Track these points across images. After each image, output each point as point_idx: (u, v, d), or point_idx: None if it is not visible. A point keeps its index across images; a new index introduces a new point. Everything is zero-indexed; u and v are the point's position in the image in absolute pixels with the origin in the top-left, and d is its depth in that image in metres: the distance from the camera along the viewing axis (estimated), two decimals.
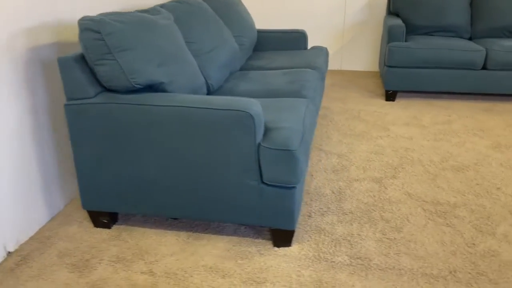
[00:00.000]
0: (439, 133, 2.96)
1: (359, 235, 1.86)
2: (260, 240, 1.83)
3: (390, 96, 3.65)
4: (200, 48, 2.26)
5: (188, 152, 1.66)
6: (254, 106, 1.61)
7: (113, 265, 1.68)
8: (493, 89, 3.46)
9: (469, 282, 1.58)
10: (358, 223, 1.94)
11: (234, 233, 1.88)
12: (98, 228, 1.92)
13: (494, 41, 3.51)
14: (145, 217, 2.00)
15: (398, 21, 3.65)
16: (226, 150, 1.63)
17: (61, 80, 1.70)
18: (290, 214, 1.69)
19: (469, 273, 1.62)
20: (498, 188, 2.22)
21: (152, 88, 1.75)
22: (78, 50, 2.10)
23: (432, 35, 3.89)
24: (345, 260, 1.70)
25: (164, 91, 1.76)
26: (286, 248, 1.77)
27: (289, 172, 1.61)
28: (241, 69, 2.87)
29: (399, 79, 3.56)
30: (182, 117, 1.62)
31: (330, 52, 4.69)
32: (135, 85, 1.65)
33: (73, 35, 2.07)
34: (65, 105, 1.70)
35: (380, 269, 1.65)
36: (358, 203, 2.10)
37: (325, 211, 2.03)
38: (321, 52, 3.20)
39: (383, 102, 3.63)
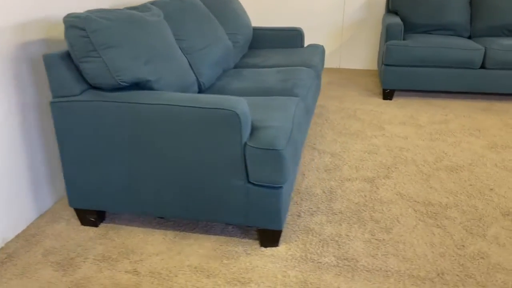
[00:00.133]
0: (435, 132, 2.93)
1: (347, 235, 1.84)
2: (247, 240, 1.81)
3: (387, 95, 3.62)
4: (191, 46, 2.25)
5: (174, 151, 1.65)
6: (241, 104, 1.59)
7: (97, 263, 1.67)
8: (492, 88, 3.43)
9: (456, 284, 1.56)
10: (347, 223, 1.92)
11: (222, 232, 1.86)
12: (86, 226, 1.91)
13: (493, 40, 3.47)
14: (133, 216, 1.99)
15: (396, 19, 3.62)
16: (212, 149, 1.62)
17: (47, 77, 1.68)
18: (277, 214, 1.68)
19: (457, 275, 1.60)
20: (491, 189, 2.20)
21: (139, 86, 1.73)
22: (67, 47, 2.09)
23: (431, 33, 3.86)
24: (332, 261, 1.68)
25: (151, 89, 1.75)
26: (273, 248, 1.76)
27: (275, 172, 1.59)
28: (236, 66, 2.85)
29: (396, 78, 3.54)
30: (168, 115, 1.60)
31: (329, 50, 4.66)
32: (121, 83, 1.64)
33: (62, 32, 2.06)
34: (51, 102, 1.69)
35: (366, 271, 1.63)
36: (349, 203, 2.08)
37: (315, 211, 2.01)
38: (317, 50, 3.18)
39: (380, 101, 3.60)
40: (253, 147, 1.58)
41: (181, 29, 2.23)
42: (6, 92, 1.75)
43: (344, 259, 1.69)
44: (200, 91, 2.31)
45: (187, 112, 1.58)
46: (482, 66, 3.40)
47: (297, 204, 2.07)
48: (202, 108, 1.57)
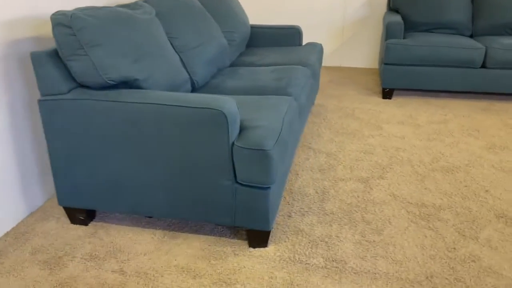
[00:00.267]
0: (433, 132, 2.90)
1: (337, 236, 1.82)
2: (237, 240, 1.80)
3: (387, 94, 3.59)
4: (185, 44, 2.23)
5: (161, 150, 1.64)
6: (228, 104, 1.57)
7: (85, 263, 1.67)
8: (492, 88, 3.38)
9: None
10: (338, 224, 1.90)
11: (211, 232, 1.85)
12: (75, 225, 1.91)
13: (494, 39, 3.43)
14: (123, 214, 1.98)
15: (397, 18, 3.58)
16: (199, 149, 1.61)
17: (35, 75, 1.67)
18: (265, 215, 1.66)
19: (446, 278, 1.58)
20: (487, 191, 2.17)
21: (127, 84, 1.72)
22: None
23: (432, 32, 3.82)
24: (320, 263, 1.66)
25: (139, 87, 1.73)
26: (262, 249, 1.74)
27: (263, 172, 1.58)
28: (232, 65, 2.84)
29: (396, 77, 3.50)
30: (155, 115, 1.59)
31: (330, 48, 4.63)
32: (108, 81, 1.63)
33: None
34: (39, 100, 1.68)
35: (354, 273, 1.61)
36: (341, 203, 2.06)
37: (306, 211, 1.99)
38: (315, 48, 3.15)
39: (379, 100, 3.57)
40: (241, 147, 1.57)
41: (174, 27, 2.22)
42: None
43: (333, 260, 1.68)
44: (194, 89, 2.30)
45: (174, 112, 1.57)
46: (483, 66, 3.35)
47: (289, 204, 2.05)
48: (189, 107, 1.56)
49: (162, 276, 1.60)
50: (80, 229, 1.88)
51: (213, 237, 1.82)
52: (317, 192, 2.16)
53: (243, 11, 3.19)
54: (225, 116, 1.54)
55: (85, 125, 1.67)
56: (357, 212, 1.99)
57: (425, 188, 2.19)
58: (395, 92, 3.77)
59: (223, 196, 1.66)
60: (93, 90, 1.67)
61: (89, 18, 1.60)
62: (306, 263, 1.66)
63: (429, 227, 1.88)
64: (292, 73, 2.46)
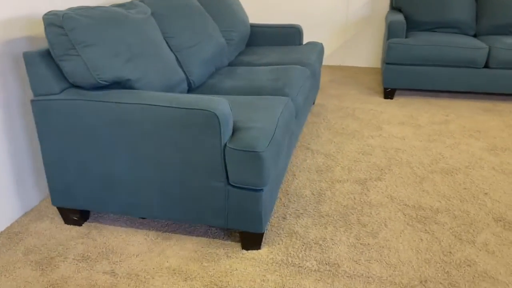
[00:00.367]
0: (434, 133, 2.86)
1: (332, 239, 1.80)
2: (230, 242, 1.79)
3: (388, 94, 3.56)
4: (181, 43, 2.22)
5: (153, 151, 1.63)
6: (221, 105, 1.56)
7: (76, 264, 1.66)
8: (495, 88, 3.34)
9: None
10: (333, 226, 1.88)
11: (205, 234, 1.84)
12: (69, 225, 1.90)
13: (498, 39, 3.38)
14: (117, 215, 1.97)
15: (399, 17, 3.55)
16: (191, 150, 1.59)
17: (27, 75, 1.67)
18: (258, 217, 1.65)
19: (441, 283, 1.56)
20: (486, 193, 2.14)
21: (120, 84, 1.71)
22: None
23: (435, 31, 3.78)
24: (313, 266, 1.65)
25: (132, 88, 1.72)
26: (255, 251, 1.73)
27: (255, 174, 1.56)
28: (230, 64, 2.82)
29: (398, 77, 3.47)
30: (147, 115, 1.58)
31: (332, 47, 4.60)
32: (101, 82, 1.62)
33: None
34: (32, 100, 1.67)
35: (347, 276, 1.59)
36: (337, 205, 2.04)
37: (301, 213, 1.98)
38: (316, 48, 3.13)
39: (381, 100, 3.54)
40: (233, 148, 1.55)
41: (171, 26, 2.21)
42: None
43: (326, 264, 1.66)
44: (190, 89, 2.29)
45: (166, 112, 1.56)
46: (486, 66, 3.31)
47: (284, 206, 2.04)
48: (181, 108, 1.55)
49: (153, 278, 1.59)
50: (73, 230, 1.87)
51: (207, 238, 1.81)
52: (313, 194, 2.14)
53: (243, 10, 3.17)
54: (217, 118, 1.53)
55: (77, 126, 1.66)
56: (353, 214, 1.97)
57: (423, 190, 2.17)
58: (397, 92, 3.74)
59: (215, 197, 1.65)
60: (85, 90, 1.66)
61: (82, 18, 1.59)
62: (299, 266, 1.65)
63: (426, 230, 1.85)
64: (290, 73, 2.44)
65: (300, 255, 1.70)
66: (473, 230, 1.85)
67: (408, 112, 3.25)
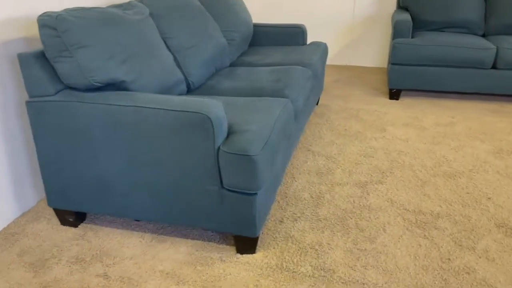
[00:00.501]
0: (439, 135, 2.82)
1: (328, 244, 1.77)
2: (225, 245, 1.77)
3: (393, 94, 3.51)
4: (180, 44, 2.20)
5: (147, 154, 1.61)
6: (215, 108, 1.54)
7: (70, 266, 1.66)
8: (503, 89, 3.27)
9: None
10: (331, 230, 1.85)
11: (200, 237, 1.82)
12: (65, 226, 1.90)
13: (506, 39, 3.31)
14: (114, 216, 1.96)
15: (405, 16, 3.49)
16: (185, 153, 1.58)
17: (22, 76, 1.66)
18: (252, 221, 1.62)
19: None
20: (489, 198, 2.09)
21: (115, 86, 1.70)
22: None
23: (443, 31, 3.72)
24: (308, 271, 1.62)
25: (126, 89, 1.71)
26: (250, 255, 1.71)
27: (248, 178, 1.54)
28: (232, 65, 2.80)
29: (403, 77, 3.42)
30: (140, 118, 1.56)
31: (339, 47, 4.55)
32: (94, 83, 1.61)
33: None
34: (26, 102, 1.67)
35: (342, 282, 1.56)
36: (335, 209, 2.01)
37: (299, 217, 1.95)
38: (319, 48, 3.09)
39: (386, 100, 3.49)
40: (226, 152, 1.53)
41: (170, 27, 2.19)
42: None
43: (321, 269, 1.63)
44: (189, 90, 2.27)
45: (159, 115, 1.54)
46: (494, 66, 3.24)
47: (282, 209, 2.01)
48: (174, 111, 1.53)
49: (145, 281, 1.58)
50: (69, 231, 1.87)
51: (202, 242, 1.79)
52: (312, 197, 2.11)
53: (246, 10, 3.15)
54: (211, 121, 1.51)
55: (71, 127, 1.65)
56: (351, 218, 1.94)
57: (425, 194, 2.13)
58: (402, 93, 3.69)
59: (209, 201, 1.63)
60: (79, 92, 1.65)
61: (76, 19, 1.58)
62: (294, 271, 1.62)
63: (425, 235, 1.82)
64: (291, 74, 2.41)
65: (295, 260, 1.68)
66: (474, 236, 1.81)
67: (413, 114, 3.20)
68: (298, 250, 1.74)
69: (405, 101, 3.47)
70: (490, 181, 2.25)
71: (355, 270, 1.62)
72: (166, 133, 1.56)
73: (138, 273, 1.62)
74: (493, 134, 2.82)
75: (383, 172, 2.35)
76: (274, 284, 1.56)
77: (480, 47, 3.19)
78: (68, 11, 1.63)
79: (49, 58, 1.61)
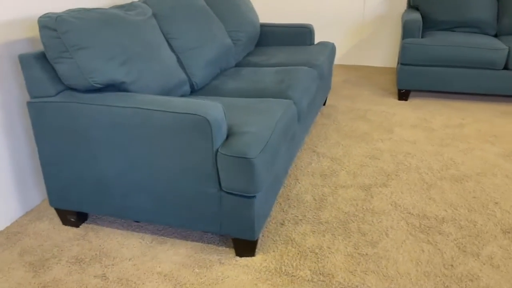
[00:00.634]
0: (447, 137, 2.77)
1: (329, 248, 1.75)
2: (224, 248, 1.76)
3: (402, 95, 3.46)
4: (184, 44, 2.20)
5: (145, 155, 1.61)
6: (213, 110, 1.53)
7: (69, 266, 1.66)
8: None
9: None
10: (332, 234, 1.83)
11: (200, 239, 1.82)
12: (67, 226, 1.91)
13: None
14: (115, 217, 1.97)
15: (415, 16, 3.44)
16: (184, 155, 1.57)
17: (23, 77, 1.67)
18: (250, 224, 1.61)
19: None
20: (496, 203, 2.04)
21: (115, 87, 1.70)
22: None
23: (454, 31, 3.65)
24: (306, 275, 1.60)
25: (126, 90, 1.71)
26: (249, 258, 1.69)
27: (247, 180, 1.52)
28: (237, 65, 2.79)
29: (413, 78, 3.37)
30: (139, 119, 1.56)
31: (348, 46, 4.51)
32: (94, 85, 1.61)
33: None
34: (28, 102, 1.68)
35: None
36: (338, 212, 1.98)
37: (300, 220, 1.93)
38: (326, 48, 3.06)
39: (395, 101, 3.45)
40: (224, 154, 1.52)
41: (174, 27, 2.19)
42: None
43: (320, 274, 1.61)
44: (193, 91, 2.26)
45: (158, 116, 1.54)
46: (506, 67, 3.17)
47: (283, 211, 1.99)
48: (173, 112, 1.52)
49: (143, 283, 1.58)
50: (71, 231, 1.88)
51: (201, 243, 1.79)
52: (314, 199, 2.09)
53: (253, 10, 3.13)
54: (209, 123, 1.49)
55: (72, 128, 1.66)
56: (353, 222, 1.91)
57: (430, 198, 2.09)
58: (412, 94, 3.64)
59: (208, 203, 1.62)
60: (80, 93, 1.65)
61: (76, 20, 1.59)
62: (292, 275, 1.60)
63: (428, 241, 1.78)
64: (295, 75, 2.39)
65: (294, 264, 1.66)
66: (479, 242, 1.77)
67: (422, 115, 3.15)
68: (298, 253, 1.72)
69: (414, 102, 3.42)
70: (499, 185, 2.20)
71: (354, 275, 1.60)
72: (165, 135, 1.56)
73: (136, 275, 1.62)
74: (504, 137, 2.76)
75: (388, 175, 2.31)
76: None
77: (492, 47, 3.13)
78: (69, 12, 1.63)
79: (50, 59, 1.62)
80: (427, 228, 1.86)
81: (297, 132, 2.16)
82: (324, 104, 3.35)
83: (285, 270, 1.63)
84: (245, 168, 1.50)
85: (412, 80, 3.37)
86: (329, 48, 3.08)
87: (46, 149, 1.73)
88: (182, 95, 2.12)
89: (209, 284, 1.57)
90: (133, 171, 1.65)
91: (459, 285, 1.54)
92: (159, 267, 1.66)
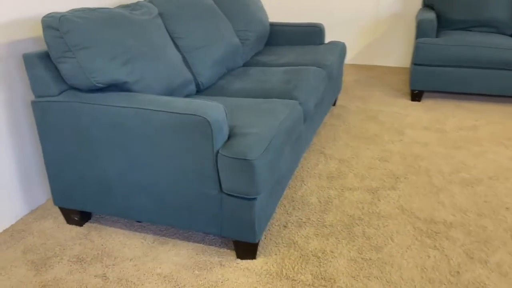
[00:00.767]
0: (460, 140, 2.70)
1: (332, 252, 1.72)
2: (226, 250, 1.74)
3: (415, 96, 3.39)
4: (190, 44, 2.19)
5: (147, 155, 1.60)
6: (214, 111, 1.51)
7: (70, 265, 1.67)
8: None
9: None
10: (336, 238, 1.80)
11: (202, 240, 1.80)
12: (70, 225, 1.92)
13: None
14: (116, 217, 1.97)
15: (429, 15, 3.37)
16: (184, 156, 1.55)
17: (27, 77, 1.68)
18: (251, 226, 1.59)
19: None
20: (508, 208, 1.98)
21: (118, 87, 1.69)
22: None
23: (469, 30, 3.57)
24: (307, 280, 1.57)
25: (129, 90, 1.70)
26: (250, 261, 1.67)
27: (247, 182, 1.50)
28: (245, 64, 2.77)
29: (426, 78, 3.30)
30: (140, 119, 1.55)
31: (361, 46, 4.45)
32: (97, 84, 1.61)
33: None
34: (32, 102, 1.69)
35: None
36: (343, 215, 1.95)
37: (304, 222, 1.90)
38: (336, 48, 3.02)
39: (407, 102, 3.38)
40: (225, 155, 1.50)
41: (180, 27, 2.18)
42: None
43: (322, 278, 1.58)
44: (199, 90, 2.25)
45: (159, 117, 1.53)
46: None
47: (287, 213, 1.97)
48: (173, 113, 1.51)
49: (142, 284, 1.57)
50: (74, 230, 1.88)
51: (203, 245, 1.77)
52: (320, 202, 2.06)
53: (262, 9, 3.11)
54: (210, 124, 1.48)
55: (74, 127, 1.66)
56: (358, 225, 1.88)
57: (439, 202, 2.04)
58: (425, 94, 3.57)
59: (209, 205, 1.61)
60: (82, 92, 1.66)
61: (79, 20, 1.58)
62: (293, 280, 1.58)
63: (435, 246, 1.74)
64: (303, 75, 2.36)
65: (296, 268, 1.63)
66: (488, 249, 1.72)
67: (434, 116, 3.08)
68: (300, 257, 1.69)
69: (427, 103, 3.35)
70: (511, 189, 2.13)
71: (357, 281, 1.56)
72: (166, 135, 1.55)
73: (136, 275, 1.61)
74: None
75: (397, 178, 2.26)
76: None
77: (508, 47, 3.04)
78: (73, 11, 1.63)
79: (53, 59, 1.62)
80: (434, 233, 1.81)
81: (303, 133, 2.13)
82: (334, 105, 3.31)
83: (286, 273, 1.61)
84: (246, 169, 1.48)
85: (425, 81, 3.30)
86: (340, 48, 3.04)
87: (50, 148, 1.74)
88: (188, 95, 2.11)
89: (208, 287, 1.55)
90: (133, 171, 1.65)
91: None
92: (160, 268, 1.65)
